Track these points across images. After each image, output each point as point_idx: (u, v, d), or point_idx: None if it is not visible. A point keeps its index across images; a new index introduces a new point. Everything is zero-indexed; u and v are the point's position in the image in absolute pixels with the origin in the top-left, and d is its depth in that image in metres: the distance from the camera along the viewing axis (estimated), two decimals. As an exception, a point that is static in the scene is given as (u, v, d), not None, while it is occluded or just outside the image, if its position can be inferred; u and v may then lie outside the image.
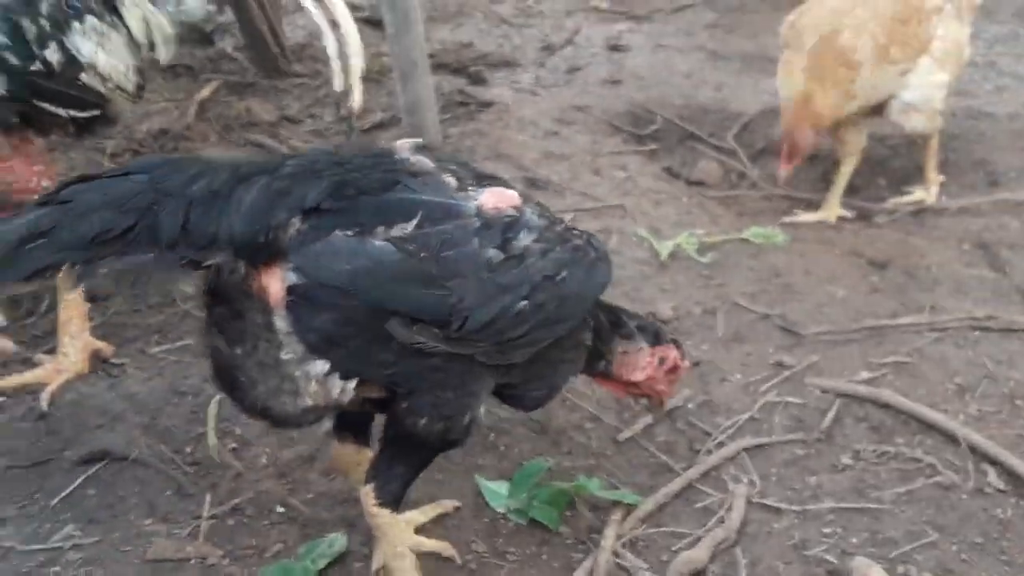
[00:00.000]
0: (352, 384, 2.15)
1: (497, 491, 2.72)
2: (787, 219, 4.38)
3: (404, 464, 2.34)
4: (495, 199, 2.19)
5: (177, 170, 2.10)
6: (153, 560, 2.51)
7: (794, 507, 2.76)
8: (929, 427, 2.99)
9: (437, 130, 4.77)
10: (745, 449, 2.96)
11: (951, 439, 2.94)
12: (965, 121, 5.02)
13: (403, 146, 2.31)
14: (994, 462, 2.85)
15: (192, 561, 2.51)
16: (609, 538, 2.61)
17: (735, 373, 3.29)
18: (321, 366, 2.11)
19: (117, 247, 2.02)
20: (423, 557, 2.47)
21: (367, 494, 2.32)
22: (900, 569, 2.56)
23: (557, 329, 2.28)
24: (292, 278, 2.05)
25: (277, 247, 2.06)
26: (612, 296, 2.98)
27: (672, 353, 2.66)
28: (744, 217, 4.56)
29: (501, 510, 2.69)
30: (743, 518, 2.71)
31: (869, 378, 3.23)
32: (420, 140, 2.40)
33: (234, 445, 2.90)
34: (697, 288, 3.75)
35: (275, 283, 2.06)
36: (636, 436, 3.02)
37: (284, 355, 2.09)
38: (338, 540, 2.54)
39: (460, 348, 2.14)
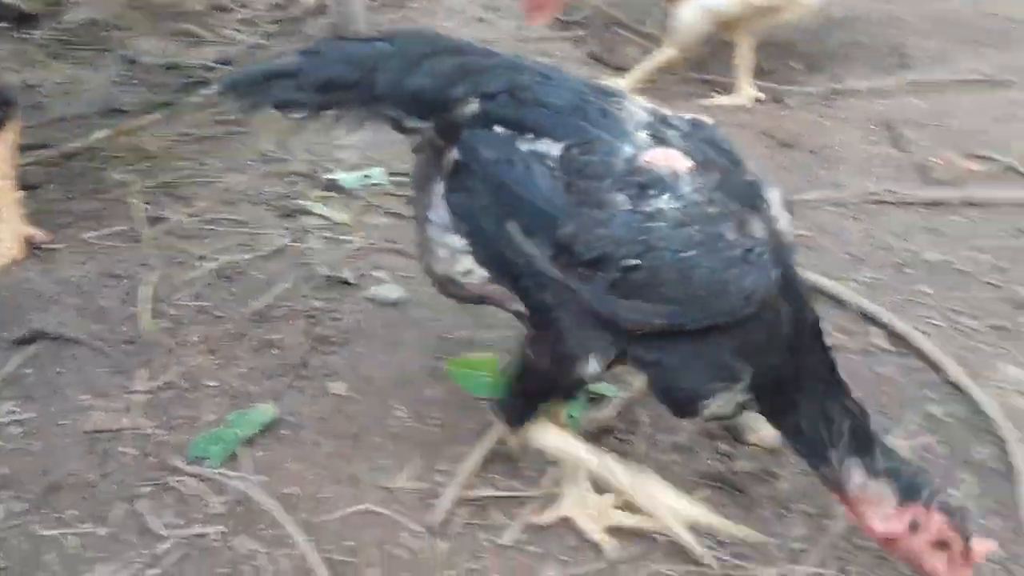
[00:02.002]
0: (479, 272, 2.29)
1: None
2: (704, 102, 4.52)
3: (520, 390, 2.38)
4: (656, 154, 2.16)
5: (415, 42, 2.43)
6: (90, 432, 2.66)
7: (696, 370, 2.97)
8: (822, 293, 3.20)
9: (364, 19, 4.83)
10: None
11: (842, 304, 3.15)
12: (881, 5, 5.16)
13: (637, 99, 2.33)
14: (880, 324, 3.07)
15: (127, 432, 2.66)
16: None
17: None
18: (453, 239, 2.29)
19: (342, 96, 2.39)
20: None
21: (497, 419, 2.46)
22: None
23: (679, 311, 2.13)
24: (456, 153, 2.27)
25: (455, 120, 2.28)
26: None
27: (935, 521, 2.15)
28: (665, 101, 4.69)
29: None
30: (649, 381, 2.91)
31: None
32: (701, 118, 2.36)
33: (167, 324, 3.03)
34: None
35: (449, 153, 2.28)
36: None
37: (432, 215, 2.32)
38: (268, 410, 2.71)
39: (566, 278, 2.16)
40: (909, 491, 2.18)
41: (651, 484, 2.41)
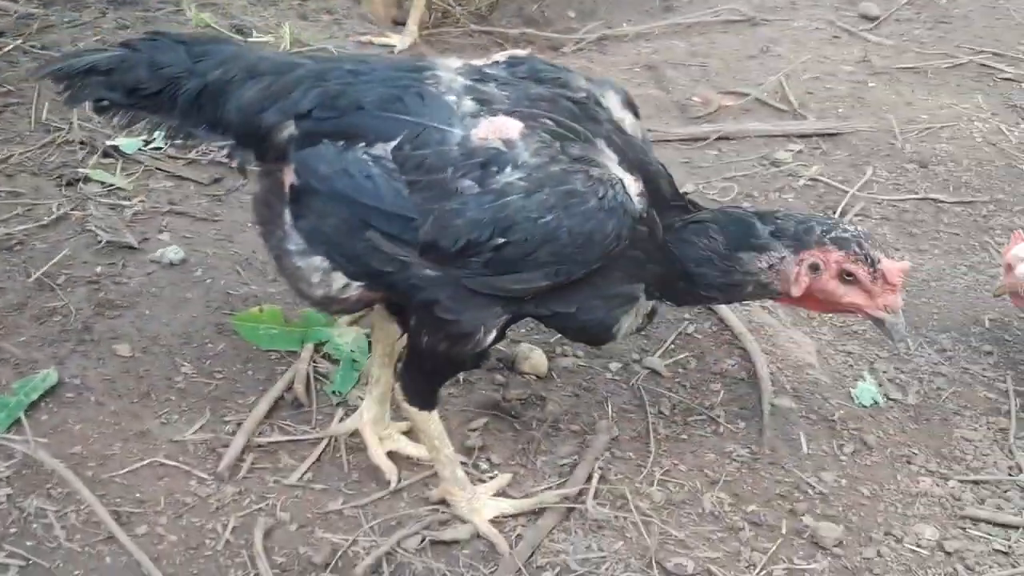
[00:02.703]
0: (356, 284, 2.28)
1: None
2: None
3: (422, 374, 2.40)
4: (487, 130, 2.16)
5: (212, 53, 2.36)
6: None
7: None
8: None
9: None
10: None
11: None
12: (646, -49, 5.43)
13: (448, 64, 2.31)
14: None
15: (-93, 405, 2.66)
16: (308, 349, 2.93)
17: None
18: (320, 262, 2.27)
19: (149, 103, 2.38)
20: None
21: (397, 390, 2.46)
22: (558, 350, 3.00)
23: (557, 270, 2.18)
24: (292, 177, 2.24)
25: (277, 145, 2.25)
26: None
27: (833, 256, 2.24)
28: (448, 53, 4.84)
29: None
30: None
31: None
32: (497, 57, 2.38)
33: (-55, 298, 3.02)
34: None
35: (286, 179, 2.25)
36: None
37: (290, 244, 2.29)
38: (50, 375, 2.75)
39: (441, 270, 2.19)
40: (797, 241, 2.25)
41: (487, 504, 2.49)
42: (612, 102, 2.34)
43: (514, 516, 2.48)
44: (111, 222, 3.36)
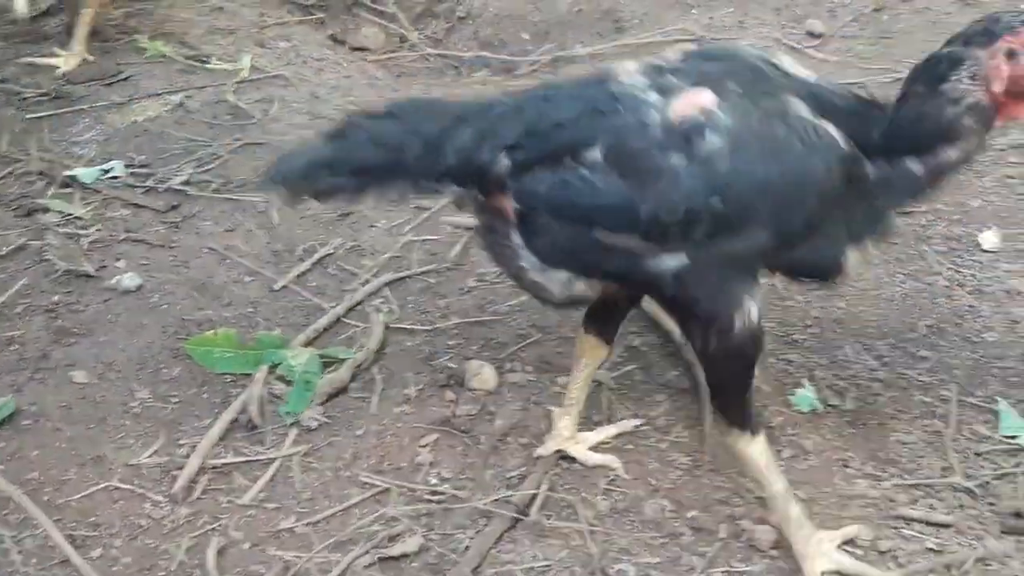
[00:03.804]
0: (594, 281, 2.42)
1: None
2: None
3: (721, 388, 2.47)
4: (682, 106, 2.25)
5: (418, 112, 2.51)
6: None
7: (425, 327, 3.22)
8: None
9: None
10: (387, 283, 3.39)
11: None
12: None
13: (625, 67, 2.40)
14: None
15: None
16: (262, 371, 2.99)
17: (380, 220, 3.69)
18: (557, 273, 2.40)
19: (377, 177, 2.48)
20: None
21: (716, 426, 2.57)
22: (508, 365, 3.07)
23: (779, 221, 2.26)
24: (515, 205, 2.36)
25: (496, 178, 2.36)
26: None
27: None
28: (403, 77, 4.94)
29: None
30: (381, 341, 3.15)
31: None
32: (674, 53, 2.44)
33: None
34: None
35: (508, 206, 2.38)
36: (290, 284, 3.39)
37: (523, 263, 2.41)
38: (7, 404, 2.80)
39: (671, 253, 2.28)
40: (987, 35, 2.21)
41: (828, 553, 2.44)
42: (784, 61, 2.42)
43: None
44: (69, 251, 3.43)
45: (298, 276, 3.42)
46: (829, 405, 2.89)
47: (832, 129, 2.28)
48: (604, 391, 2.94)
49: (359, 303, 3.31)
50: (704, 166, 2.21)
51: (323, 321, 3.21)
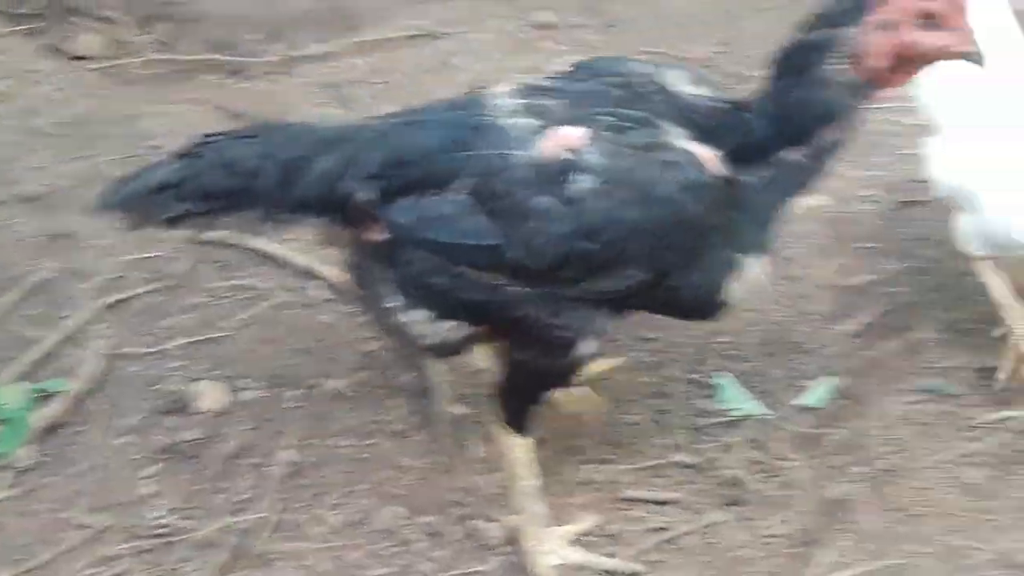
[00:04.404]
0: (459, 323, 2.32)
1: None
2: None
3: (517, 392, 2.42)
4: (551, 144, 2.18)
5: (277, 136, 2.41)
6: None
7: (149, 350, 3.07)
8: (267, 258, 3.39)
9: None
10: (107, 307, 3.22)
11: (288, 266, 3.37)
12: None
13: (499, 90, 2.34)
14: (320, 279, 3.32)
15: None
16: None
17: (98, 239, 3.48)
18: (421, 312, 2.30)
19: (229, 203, 2.35)
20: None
21: (495, 412, 2.45)
22: (238, 383, 2.97)
23: (651, 262, 2.22)
24: (379, 235, 2.27)
25: (361, 208, 2.26)
26: None
27: (900, 3, 2.15)
28: (130, 85, 4.70)
29: None
30: (102, 369, 2.98)
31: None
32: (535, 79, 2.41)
33: None
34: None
35: (376, 237, 2.28)
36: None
37: (390, 303, 2.32)
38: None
39: (537, 287, 2.23)
40: (856, 10, 2.16)
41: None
42: (669, 78, 2.32)
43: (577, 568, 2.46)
44: None
45: (7, 305, 3.20)
46: (563, 393, 2.94)
47: (708, 152, 2.22)
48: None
49: (76, 330, 3.13)
50: (574, 208, 2.16)
51: (35, 353, 3.02)
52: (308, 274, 3.31)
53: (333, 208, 2.32)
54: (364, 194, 2.27)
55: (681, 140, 2.21)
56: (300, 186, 2.30)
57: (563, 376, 2.43)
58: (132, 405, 2.89)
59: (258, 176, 2.32)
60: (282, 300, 3.25)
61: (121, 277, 3.34)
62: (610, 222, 2.16)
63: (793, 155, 2.27)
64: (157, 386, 2.95)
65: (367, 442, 2.80)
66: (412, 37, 4.89)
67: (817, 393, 2.89)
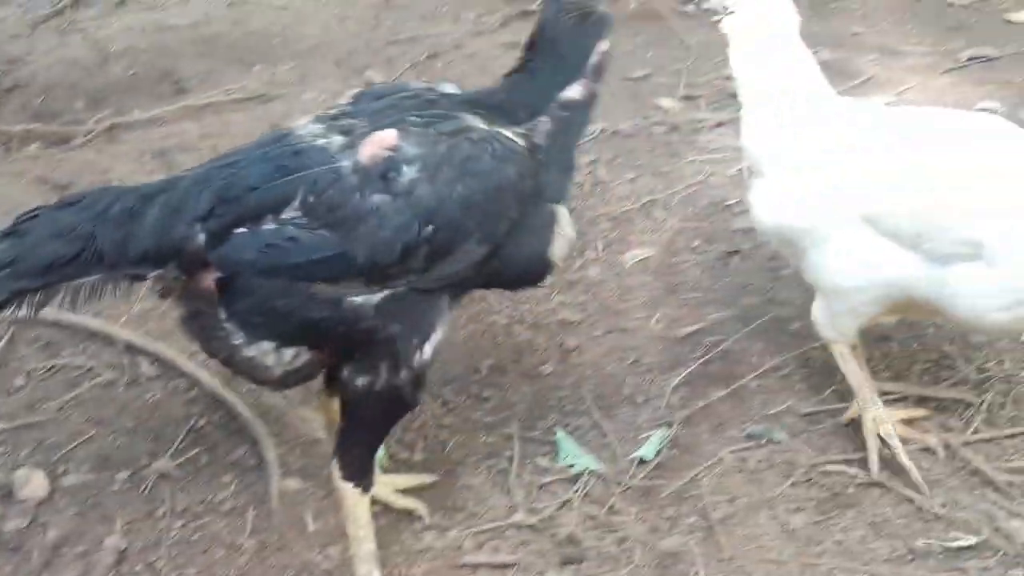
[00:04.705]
0: (303, 351, 2.35)
1: None
2: None
3: (358, 432, 2.45)
4: (369, 148, 2.28)
5: (102, 198, 2.34)
6: None
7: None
8: (93, 335, 3.29)
9: None
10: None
11: (112, 342, 3.27)
12: (152, 35, 5.35)
13: (301, 122, 2.44)
14: (147, 354, 3.23)
15: None
16: None
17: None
18: (265, 343, 2.32)
19: (69, 271, 2.28)
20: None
21: (333, 468, 2.45)
22: (61, 468, 2.87)
23: (485, 232, 2.35)
24: (217, 276, 2.26)
25: (194, 254, 2.25)
26: None
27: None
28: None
29: None
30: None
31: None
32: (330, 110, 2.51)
33: None
34: None
35: (209, 281, 2.27)
36: None
37: (235, 340, 2.31)
38: None
39: (395, 286, 2.30)
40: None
41: None
42: (446, 88, 2.55)
43: None
44: None
45: None
46: (395, 460, 2.92)
47: (506, 131, 2.43)
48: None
49: None
50: (407, 198, 2.28)
51: None
52: (133, 349, 3.22)
53: (170, 256, 2.31)
54: (196, 239, 2.28)
55: (480, 123, 2.42)
56: (138, 238, 2.30)
57: (406, 398, 2.45)
58: (-50, 499, 2.75)
59: (96, 237, 2.30)
60: (107, 378, 3.16)
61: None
62: (441, 201, 2.31)
63: (572, 92, 2.53)
64: (-30, 476, 2.82)
65: (198, 522, 2.73)
66: (242, 100, 4.86)
67: (651, 444, 2.94)
